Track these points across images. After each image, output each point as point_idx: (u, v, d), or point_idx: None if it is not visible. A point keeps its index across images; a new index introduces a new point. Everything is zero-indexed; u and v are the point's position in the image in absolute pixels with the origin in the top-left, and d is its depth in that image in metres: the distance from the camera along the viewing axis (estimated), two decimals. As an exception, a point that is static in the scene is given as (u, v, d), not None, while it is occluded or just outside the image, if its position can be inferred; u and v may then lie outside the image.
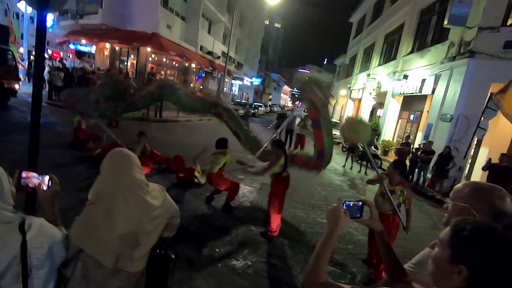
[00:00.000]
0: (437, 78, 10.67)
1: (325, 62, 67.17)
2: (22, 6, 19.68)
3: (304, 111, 6.95)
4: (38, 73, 2.53)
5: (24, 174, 1.21)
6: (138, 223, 1.27)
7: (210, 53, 21.93)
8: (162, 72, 19.47)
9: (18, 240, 1.00)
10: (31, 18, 20.03)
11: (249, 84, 39.56)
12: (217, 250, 3.45)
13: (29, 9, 18.93)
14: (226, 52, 18.96)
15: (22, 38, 21.62)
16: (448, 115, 9.50)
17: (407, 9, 14.41)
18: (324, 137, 4.09)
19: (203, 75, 24.15)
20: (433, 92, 10.85)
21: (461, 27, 9.29)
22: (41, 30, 2.39)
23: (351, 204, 1.10)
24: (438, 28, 11.62)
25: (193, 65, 20.87)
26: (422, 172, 9.18)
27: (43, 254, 1.07)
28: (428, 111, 11.44)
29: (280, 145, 4.11)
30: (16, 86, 9.34)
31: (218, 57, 23.49)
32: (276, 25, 72.28)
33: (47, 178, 1.25)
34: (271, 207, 4.03)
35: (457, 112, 9.26)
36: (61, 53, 26.42)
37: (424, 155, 8.85)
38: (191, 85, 21.62)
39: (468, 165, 9.77)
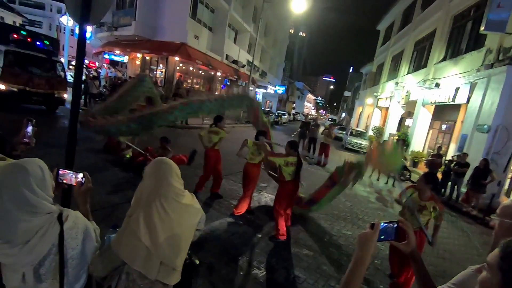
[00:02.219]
0: (472, 86, 10.08)
1: (350, 71, 66.04)
2: (64, 20, 21.33)
3: (328, 120, 6.96)
4: (77, 81, 2.69)
5: (61, 171, 1.30)
6: (179, 229, 1.30)
7: (235, 62, 22.36)
8: (189, 81, 20.10)
9: (56, 229, 1.07)
10: (71, 31, 21.59)
11: (272, 92, 39.68)
12: (239, 258, 3.43)
13: (70, 23, 20.47)
14: (251, 61, 19.23)
15: (63, 49, 23.39)
16: (485, 126, 8.90)
17: (439, 15, 13.86)
18: (326, 197, 4.70)
19: (228, 83, 24.61)
20: (468, 101, 10.25)
21: (500, 33, 8.76)
22: (81, 40, 2.56)
23: (386, 226, 0.99)
24: (473, 34, 11.04)
25: (219, 74, 21.34)
26: (455, 186, 8.62)
27: (76, 244, 1.13)
28: (462, 121, 10.81)
29: (293, 146, 4.11)
30: (65, 96, 10.05)
31: (243, 66, 23.87)
32: (301, 33, 72.43)
33: (80, 175, 1.33)
34: (276, 209, 4.09)
35: (496, 122, 8.64)
36: (97, 63, 28.16)
37: (458, 168, 8.32)
38: (216, 93, 22.10)
39: (508, 180, 9.05)
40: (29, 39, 9.64)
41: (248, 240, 3.92)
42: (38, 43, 9.83)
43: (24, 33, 9.86)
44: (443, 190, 9.08)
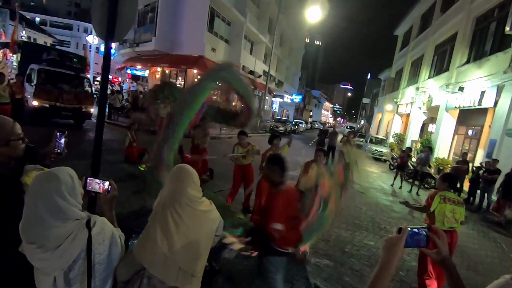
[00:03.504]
0: (499, 89, 9.62)
1: (368, 77, 64.99)
2: (90, 38, 22.68)
3: (347, 127, 6.74)
4: (103, 95, 2.85)
5: (89, 180, 1.37)
6: (196, 235, 1.31)
7: (251, 72, 22.66)
8: (207, 92, 20.55)
9: (85, 235, 1.11)
10: (97, 49, 22.86)
11: (289, 101, 39.70)
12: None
13: (96, 41, 21.70)
14: (267, 71, 19.41)
15: (89, 66, 24.77)
16: (515, 130, 8.44)
17: (460, 18, 13.46)
18: (318, 215, 3.05)
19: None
20: (495, 104, 9.78)
21: (527, 33, 8.38)
22: (107, 57, 2.73)
23: (414, 231, 0.94)
24: (498, 35, 10.62)
25: (235, 85, 21.68)
26: (485, 194, 8.15)
27: (103, 250, 1.17)
28: (490, 126, 10.29)
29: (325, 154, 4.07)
30: (91, 110, 10.60)
31: (259, 76, 24.13)
32: (317, 42, 72.48)
33: (107, 183, 1.39)
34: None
35: (527, 126, 8.18)
36: (120, 78, 29.47)
37: (487, 175, 7.89)
38: (233, 103, 22.37)
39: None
40: (59, 58, 10.30)
41: (267, 249, 3.89)
42: (67, 61, 10.48)
43: (55, 52, 10.55)
44: (471, 198, 8.62)
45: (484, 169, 8.22)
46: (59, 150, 1.78)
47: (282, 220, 2.14)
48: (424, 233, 0.95)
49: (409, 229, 0.93)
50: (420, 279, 3.22)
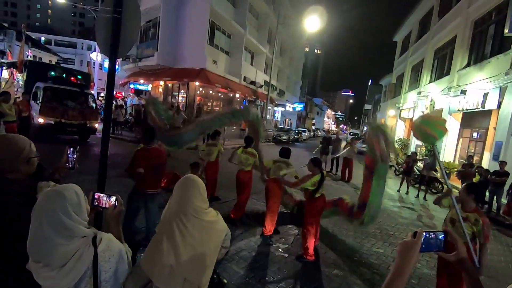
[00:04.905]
0: (502, 90, 9.59)
1: (369, 83, 65.22)
2: (94, 56, 23.16)
3: (350, 134, 6.87)
4: (108, 110, 2.89)
5: (96, 195, 1.37)
6: (202, 246, 1.30)
7: (253, 83, 22.88)
8: (209, 104, 20.73)
9: (91, 252, 1.10)
10: (100, 65, 23.31)
11: (291, 110, 39.85)
12: (266, 278, 3.35)
13: (99, 58, 22.14)
14: (268, 81, 19.58)
15: (94, 83, 25.22)
16: (521, 131, 8.36)
17: (458, 22, 13.56)
18: (372, 191, 3.95)
19: (247, 104, 25.08)
20: (499, 106, 9.73)
21: (526, 34, 8.40)
22: (111, 73, 2.78)
23: (430, 236, 0.93)
24: (497, 38, 10.66)
25: (237, 95, 21.87)
26: (495, 197, 8.01)
27: (110, 267, 1.16)
28: (494, 128, 10.21)
29: (317, 163, 3.99)
30: (96, 125, 10.73)
31: (261, 86, 24.34)
32: (316, 51, 73.23)
33: (113, 198, 1.38)
34: (307, 228, 3.91)
35: (533, 126, 8.10)
36: (123, 93, 29.89)
37: (495, 177, 7.77)
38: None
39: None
40: (64, 75, 10.50)
41: (275, 260, 3.84)
42: (72, 78, 10.67)
43: (60, 70, 10.77)
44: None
45: (492, 171, 8.10)
46: (70, 165, 1.82)
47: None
48: (441, 237, 0.93)
49: (424, 233, 0.91)
50: None
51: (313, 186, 3.90)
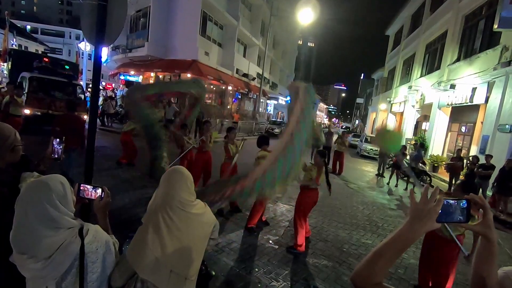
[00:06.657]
0: (490, 85, 9.77)
1: (362, 77, 65.53)
2: (82, 45, 22.55)
3: (342, 128, 6.75)
4: (94, 102, 2.82)
5: (82, 187, 1.34)
6: (188, 238, 1.29)
7: (245, 75, 22.71)
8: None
9: (77, 244, 1.09)
10: (89, 55, 22.73)
11: (284, 103, 39.83)
12: (256, 270, 3.38)
13: (88, 48, 21.56)
14: (261, 74, 19.47)
15: (82, 73, 24.62)
16: (507, 126, 8.56)
17: (449, 16, 13.67)
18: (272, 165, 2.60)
19: (239, 96, 24.94)
20: (486, 101, 9.92)
21: (515, 30, 8.53)
22: (97, 61, 2.71)
23: (449, 203, 0.78)
24: (487, 33, 10.81)
25: (230, 88, 21.70)
26: (481, 190, 8.23)
27: (96, 258, 1.15)
28: (482, 122, 10.43)
29: (323, 155, 4.04)
30: (85, 117, 10.49)
31: (253, 79, 24.20)
32: (310, 44, 72.98)
33: (100, 190, 1.36)
34: (295, 218, 4.00)
35: (518, 121, 8.30)
36: (113, 84, 29.34)
37: (482, 170, 7.97)
38: (228, 106, 22.41)
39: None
40: (50, 65, 10.20)
41: (265, 251, 3.87)
42: (59, 68, 10.38)
43: (46, 59, 10.45)
44: (466, 194, 8.71)
45: (478, 164, 8.31)
46: (56, 156, 1.81)
47: None
48: (463, 205, 0.79)
49: (444, 201, 0.77)
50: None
51: (310, 178, 3.93)
